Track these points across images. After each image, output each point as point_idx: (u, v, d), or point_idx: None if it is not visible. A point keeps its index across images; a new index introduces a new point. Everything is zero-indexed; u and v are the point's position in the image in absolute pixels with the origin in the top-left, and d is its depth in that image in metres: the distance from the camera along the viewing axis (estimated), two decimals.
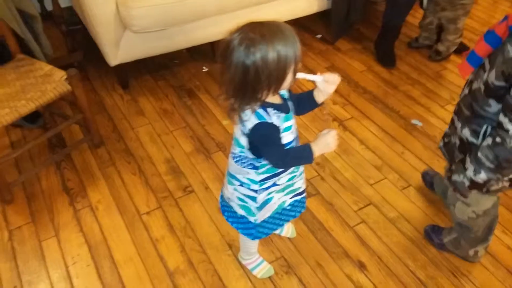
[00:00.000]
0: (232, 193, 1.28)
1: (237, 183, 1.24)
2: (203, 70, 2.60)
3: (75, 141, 2.11)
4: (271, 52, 0.94)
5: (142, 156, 2.04)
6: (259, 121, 1.04)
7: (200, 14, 2.27)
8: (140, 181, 1.91)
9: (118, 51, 2.24)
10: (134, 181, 1.91)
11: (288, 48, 0.95)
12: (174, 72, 2.59)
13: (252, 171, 1.18)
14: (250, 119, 1.05)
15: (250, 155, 1.14)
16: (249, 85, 0.98)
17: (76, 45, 2.65)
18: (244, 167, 1.18)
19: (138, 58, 2.34)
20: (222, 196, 1.39)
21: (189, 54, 2.69)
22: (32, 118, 2.14)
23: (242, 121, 1.07)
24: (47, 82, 1.79)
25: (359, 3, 2.71)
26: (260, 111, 1.05)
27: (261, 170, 1.17)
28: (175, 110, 2.32)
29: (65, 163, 2.00)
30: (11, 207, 1.80)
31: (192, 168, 1.98)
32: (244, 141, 1.12)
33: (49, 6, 2.83)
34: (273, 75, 0.97)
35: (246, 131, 1.08)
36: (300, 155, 1.13)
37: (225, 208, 1.38)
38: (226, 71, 1.00)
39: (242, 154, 1.16)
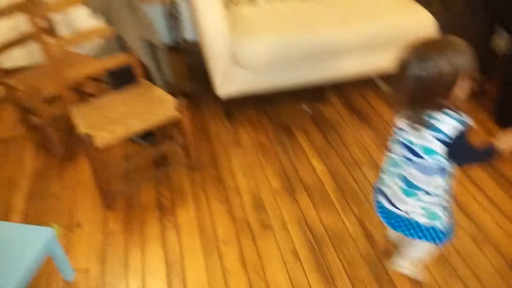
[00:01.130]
0: (414, 204, 1.33)
1: (421, 192, 1.29)
2: (304, 110, 2.64)
3: (176, 162, 2.29)
4: (447, 59, 1.09)
5: (231, 185, 2.13)
6: (461, 121, 1.15)
7: (317, 53, 2.32)
8: (224, 210, 1.99)
9: (227, 83, 2.40)
10: (219, 209, 2.00)
11: (462, 57, 1.10)
12: (276, 107, 2.68)
13: (440, 178, 1.25)
14: (448, 122, 1.15)
15: (443, 160, 1.20)
16: (436, 91, 1.12)
17: (195, 74, 2.91)
18: (432, 174, 1.24)
19: (246, 92, 2.47)
20: (388, 213, 1.42)
21: (294, 92, 2.76)
22: (145, 135, 2.39)
23: (432, 127, 1.17)
24: (159, 107, 1.99)
25: (479, 53, 2.50)
26: (456, 113, 1.16)
27: (448, 176, 1.26)
28: (271, 145, 2.38)
29: (163, 181, 2.18)
30: (111, 213, 2.02)
31: (276, 205, 2.00)
32: (437, 146, 1.18)
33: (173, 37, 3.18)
34: (456, 80, 1.11)
35: (442, 135, 1.16)
36: (485, 151, 1.21)
37: (400, 223, 1.41)
38: (406, 85, 1.14)
39: (433, 160, 1.21)
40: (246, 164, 2.26)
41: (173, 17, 2.85)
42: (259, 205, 2.00)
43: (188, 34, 3.02)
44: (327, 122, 2.52)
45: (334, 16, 2.43)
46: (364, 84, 2.80)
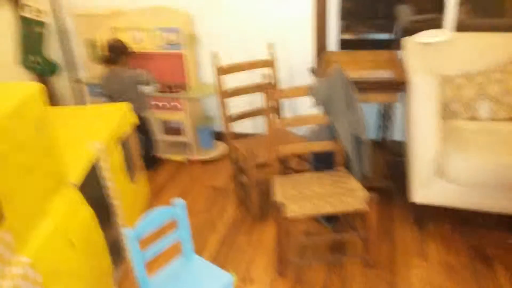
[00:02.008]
0: None
1: None
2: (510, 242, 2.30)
3: (352, 253, 2.29)
4: None
5: None
6: None
7: None
8: None
9: (425, 191, 2.32)
10: None
11: None
12: (476, 230, 2.41)
13: None
14: None
15: None
16: None
17: (393, 173, 2.91)
18: None
19: (443, 204, 2.33)
20: None
21: (503, 218, 2.44)
22: (329, 218, 2.49)
23: None
24: (349, 196, 2.08)
25: None
26: None
27: None
28: (461, 270, 2.14)
29: (335, 267, 2.20)
30: (280, 279, 2.14)
31: None
32: None
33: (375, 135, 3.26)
34: None
35: None
36: None
37: None
38: None
39: None
40: (427, 281, 2.08)
41: (386, 116, 2.97)
42: None
43: (396, 135, 3.07)
44: None
45: None
46: None
